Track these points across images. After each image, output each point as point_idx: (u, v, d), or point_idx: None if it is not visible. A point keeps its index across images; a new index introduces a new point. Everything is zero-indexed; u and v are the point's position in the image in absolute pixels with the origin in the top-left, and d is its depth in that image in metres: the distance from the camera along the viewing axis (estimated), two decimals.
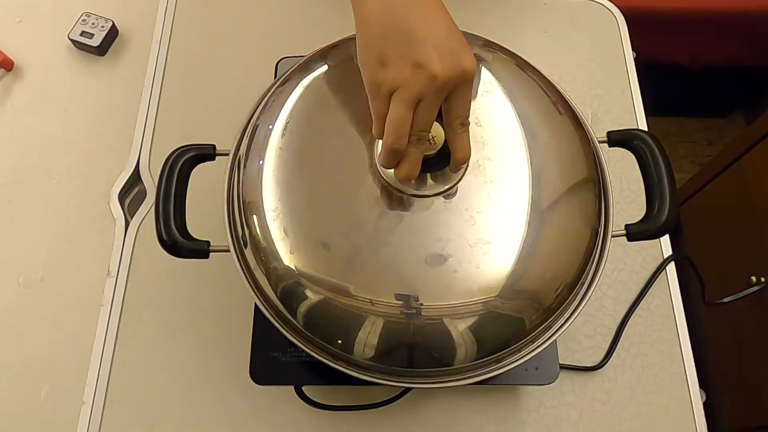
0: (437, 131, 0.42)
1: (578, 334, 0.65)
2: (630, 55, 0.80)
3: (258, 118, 0.49)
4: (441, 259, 0.42)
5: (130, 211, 0.71)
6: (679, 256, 0.68)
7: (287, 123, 0.47)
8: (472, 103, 0.41)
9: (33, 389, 0.62)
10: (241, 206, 0.46)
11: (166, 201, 0.48)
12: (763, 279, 0.96)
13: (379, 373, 0.45)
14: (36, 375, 0.63)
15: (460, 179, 0.43)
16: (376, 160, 0.44)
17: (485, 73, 0.48)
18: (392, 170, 0.42)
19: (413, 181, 0.42)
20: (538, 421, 0.61)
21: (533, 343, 0.45)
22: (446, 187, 0.43)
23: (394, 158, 0.40)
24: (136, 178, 0.72)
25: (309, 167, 0.46)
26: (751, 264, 1.01)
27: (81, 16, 0.78)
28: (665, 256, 0.68)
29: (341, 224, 0.44)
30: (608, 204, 0.48)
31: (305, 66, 0.50)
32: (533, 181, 0.44)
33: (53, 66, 0.78)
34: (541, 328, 0.44)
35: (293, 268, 0.43)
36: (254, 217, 0.45)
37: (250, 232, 0.45)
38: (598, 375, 0.63)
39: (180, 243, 0.47)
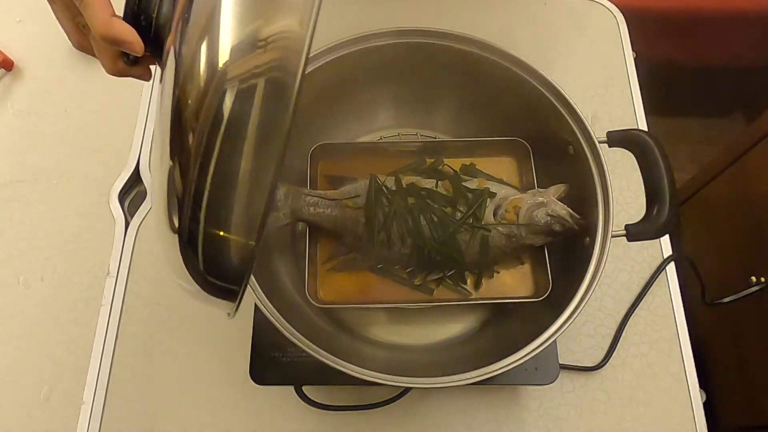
0: None
1: (578, 334, 0.65)
2: (630, 55, 0.80)
3: None
4: None
5: (130, 211, 0.71)
6: (679, 256, 0.68)
7: None
8: None
9: (33, 389, 0.62)
10: None
11: None
12: (763, 279, 0.96)
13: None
14: (36, 375, 0.63)
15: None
16: None
17: None
18: None
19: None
20: (538, 421, 0.61)
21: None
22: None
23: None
24: (136, 178, 0.72)
25: None
26: (751, 264, 1.01)
27: None
28: (665, 256, 0.68)
29: None
30: (608, 204, 0.49)
31: None
32: None
33: (53, 66, 0.78)
34: None
35: None
36: None
37: None
38: (598, 375, 0.63)
39: None
